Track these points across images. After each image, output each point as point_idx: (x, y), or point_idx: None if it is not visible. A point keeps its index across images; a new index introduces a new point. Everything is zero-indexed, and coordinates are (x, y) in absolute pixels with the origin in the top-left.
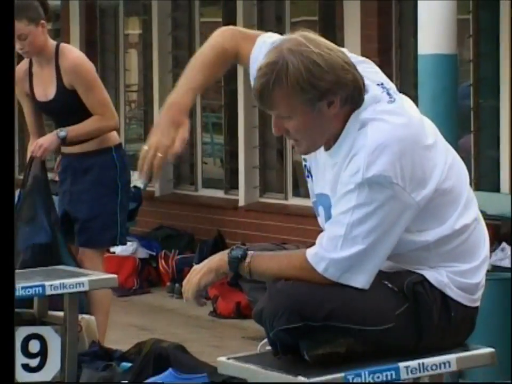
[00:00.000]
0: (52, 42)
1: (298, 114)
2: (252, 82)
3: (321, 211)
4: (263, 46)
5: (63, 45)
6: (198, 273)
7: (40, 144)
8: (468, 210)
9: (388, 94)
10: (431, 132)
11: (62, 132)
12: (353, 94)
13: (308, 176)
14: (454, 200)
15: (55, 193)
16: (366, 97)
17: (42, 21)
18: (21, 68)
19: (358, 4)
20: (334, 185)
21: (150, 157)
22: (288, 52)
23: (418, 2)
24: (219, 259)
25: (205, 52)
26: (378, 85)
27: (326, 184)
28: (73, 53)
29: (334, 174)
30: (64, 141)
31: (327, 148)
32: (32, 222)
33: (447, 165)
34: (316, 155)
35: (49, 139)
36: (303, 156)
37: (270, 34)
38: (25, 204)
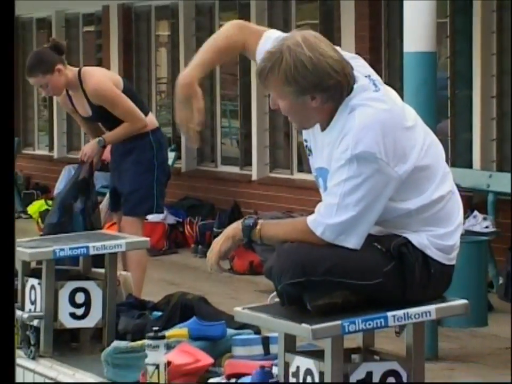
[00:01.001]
0: (74, 73)
1: (285, 99)
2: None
3: (321, 182)
4: (268, 40)
5: (83, 71)
6: (218, 243)
7: (84, 152)
8: (444, 184)
9: (374, 84)
10: (411, 117)
11: (101, 140)
12: (333, 95)
13: (309, 154)
14: (431, 175)
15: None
16: (355, 86)
17: (58, 66)
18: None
19: (353, 10)
20: (330, 161)
21: (184, 129)
22: (286, 49)
23: (404, 8)
24: (234, 228)
25: (216, 39)
26: (366, 76)
27: (324, 159)
28: (92, 78)
29: (329, 151)
30: (103, 147)
31: (323, 129)
32: (62, 207)
33: (425, 145)
34: (315, 135)
35: (91, 147)
36: (304, 137)
37: (274, 30)
38: (67, 192)
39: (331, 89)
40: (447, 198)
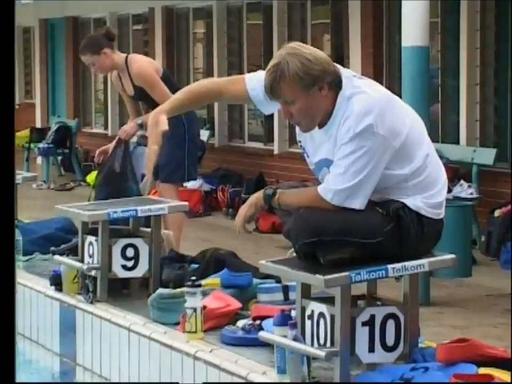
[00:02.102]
0: (122, 58)
1: (299, 98)
2: (257, 106)
3: (325, 171)
4: (253, 78)
5: (130, 57)
6: (244, 209)
7: (124, 129)
8: (428, 149)
9: (354, 75)
10: (397, 98)
11: (140, 121)
12: (335, 79)
13: (304, 153)
14: (419, 144)
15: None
16: (343, 79)
17: (104, 50)
18: (114, 74)
19: (359, 11)
20: (332, 149)
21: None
22: (287, 55)
23: (402, 9)
24: (257, 197)
25: (190, 85)
26: (348, 72)
27: (323, 152)
28: (136, 63)
29: (331, 143)
30: (141, 127)
31: (321, 126)
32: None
33: (411, 120)
34: (312, 136)
35: (130, 126)
36: (298, 139)
37: (251, 73)
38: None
39: (332, 76)
40: (432, 161)
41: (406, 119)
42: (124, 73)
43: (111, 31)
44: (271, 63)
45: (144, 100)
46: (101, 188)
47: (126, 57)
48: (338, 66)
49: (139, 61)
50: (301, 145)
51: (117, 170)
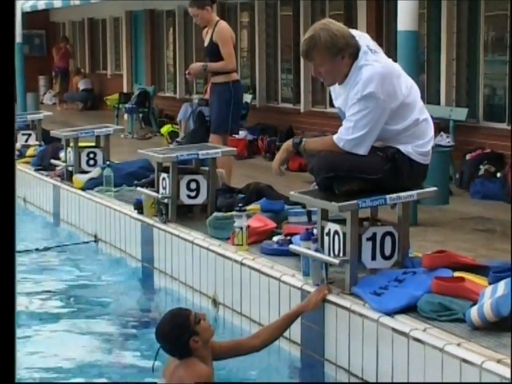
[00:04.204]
0: (215, 17)
1: (326, 62)
2: None
3: (341, 113)
4: None
5: (220, 21)
6: (278, 155)
7: (192, 67)
8: (420, 113)
9: (370, 50)
10: (399, 70)
11: (204, 65)
12: (354, 51)
13: (334, 99)
14: (412, 107)
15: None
16: (360, 52)
17: (207, 7)
18: (204, 31)
19: (364, 4)
20: (345, 102)
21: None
22: (320, 29)
23: (398, 3)
24: (287, 144)
25: None
26: (366, 46)
27: (339, 102)
28: (222, 24)
29: (345, 97)
30: (205, 70)
31: (340, 83)
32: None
33: (408, 87)
34: (335, 87)
35: (197, 65)
36: (330, 89)
37: None
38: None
39: (353, 48)
40: (423, 121)
41: (403, 86)
42: (210, 29)
43: None
44: (307, 34)
45: (213, 55)
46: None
47: (218, 21)
48: (364, 36)
49: (225, 25)
50: (331, 94)
51: (190, 127)
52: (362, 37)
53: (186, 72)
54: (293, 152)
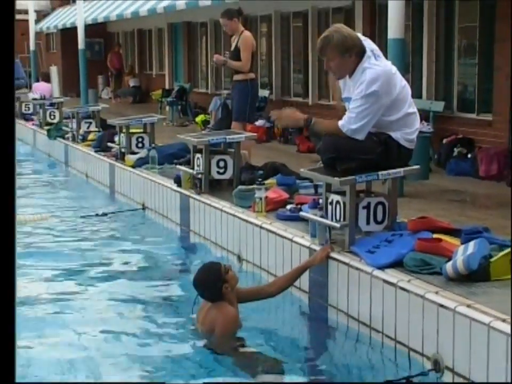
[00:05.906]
0: (241, 28)
1: (336, 58)
2: None
3: (346, 103)
4: None
5: (245, 31)
6: (289, 118)
7: (217, 56)
8: (410, 108)
9: (374, 55)
10: (395, 70)
11: (226, 60)
12: (360, 52)
13: (342, 90)
14: (404, 102)
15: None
16: (365, 55)
17: (234, 18)
18: (232, 38)
19: (361, 17)
20: (352, 94)
21: None
22: (333, 31)
23: (388, 16)
24: (301, 118)
25: None
26: (371, 51)
27: (346, 93)
28: (246, 34)
29: (350, 89)
30: (224, 64)
31: (349, 76)
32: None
33: (401, 86)
34: (345, 81)
35: (220, 58)
36: (340, 82)
37: None
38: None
39: (359, 48)
40: (412, 114)
41: (398, 85)
42: (236, 37)
43: (241, 10)
44: (324, 34)
45: (235, 57)
46: (216, 127)
47: (242, 31)
48: (368, 41)
49: (248, 34)
50: (340, 86)
51: (219, 116)
52: (367, 42)
53: (214, 58)
54: (301, 126)
